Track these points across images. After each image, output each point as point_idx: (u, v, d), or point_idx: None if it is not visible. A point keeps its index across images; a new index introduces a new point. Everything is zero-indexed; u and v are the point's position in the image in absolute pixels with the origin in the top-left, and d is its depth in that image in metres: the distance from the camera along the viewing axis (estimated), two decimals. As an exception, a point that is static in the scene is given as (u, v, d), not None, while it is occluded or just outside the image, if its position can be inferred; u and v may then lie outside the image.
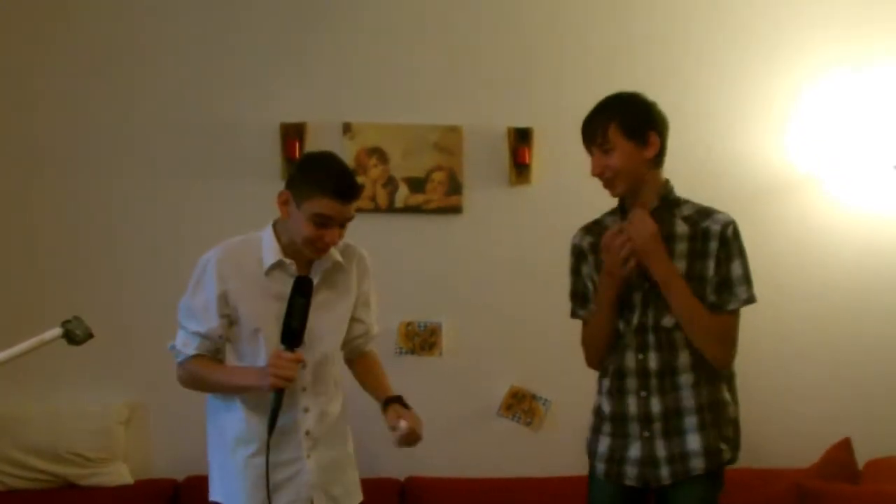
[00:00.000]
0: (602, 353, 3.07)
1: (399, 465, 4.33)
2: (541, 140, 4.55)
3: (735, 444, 2.99)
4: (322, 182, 2.85)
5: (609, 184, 2.98)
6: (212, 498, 3.04)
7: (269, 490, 2.86)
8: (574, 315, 3.18)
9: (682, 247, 2.94)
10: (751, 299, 2.93)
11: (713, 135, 4.59)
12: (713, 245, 2.91)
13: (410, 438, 2.94)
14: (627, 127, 2.92)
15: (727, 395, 2.97)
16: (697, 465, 2.91)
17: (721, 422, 2.95)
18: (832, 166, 4.61)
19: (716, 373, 2.95)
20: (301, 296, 2.83)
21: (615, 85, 4.43)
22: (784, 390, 4.50)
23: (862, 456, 4.32)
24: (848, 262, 4.61)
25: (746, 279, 2.92)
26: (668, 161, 3.01)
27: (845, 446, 4.33)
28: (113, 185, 4.50)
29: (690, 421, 2.91)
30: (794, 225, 4.58)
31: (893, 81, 4.67)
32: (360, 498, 3.17)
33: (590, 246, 3.10)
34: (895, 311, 4.62)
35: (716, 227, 2.92)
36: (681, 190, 3.03)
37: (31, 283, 4.42)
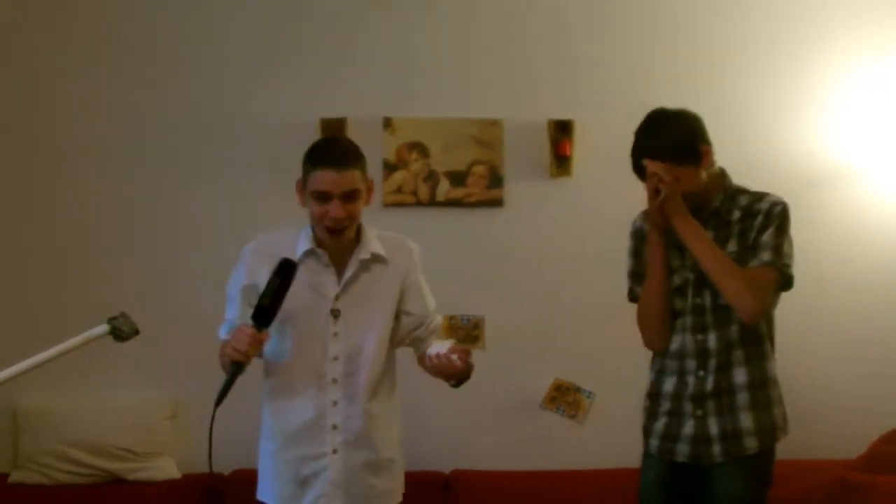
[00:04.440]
0: (658, 326, 3.06)
1: (444, 458, 4.34)
2: (582, 132, 4.53)
3: (784, 424, 3.01)
4: (311, 157, 2.92)
5: None
6: (257, 496, 3.03)
7: (212, 462, 2.83)
8: (631, 294, 3.18)
9: (735, 229, 2.97)
10: (774, 264, 2.89)
11: (757, 127, 4.54)
12: (759, 220, 2.94)
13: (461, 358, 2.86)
14: (679, 157, 2.93)
15: (776, 373, 2.99)
16: (751, 444, 2.94)
17: (772, 400, 2.97)
18: (878, 158, 4.56)
19: (764, 350, 2.97)
20: (277, 276, 2.77)
21: (656, 76, 4.41)
22: (829, 382, 4.46)
23: (909, 448, 4.28)
24: (893, 254, 4.56)
25: (775, 247, 2.90)
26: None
27: (891, 438, 4.28)
28: (155, 183, 4.53)
29: (742, 398, 2.94)
30: (839, 216, 4.53)
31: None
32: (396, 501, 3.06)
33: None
34: (942, 303, 4.56)
35: (764, 206, 2.96)
36: (725, 184, 3.06)
37: (78, 280, 4.46)
